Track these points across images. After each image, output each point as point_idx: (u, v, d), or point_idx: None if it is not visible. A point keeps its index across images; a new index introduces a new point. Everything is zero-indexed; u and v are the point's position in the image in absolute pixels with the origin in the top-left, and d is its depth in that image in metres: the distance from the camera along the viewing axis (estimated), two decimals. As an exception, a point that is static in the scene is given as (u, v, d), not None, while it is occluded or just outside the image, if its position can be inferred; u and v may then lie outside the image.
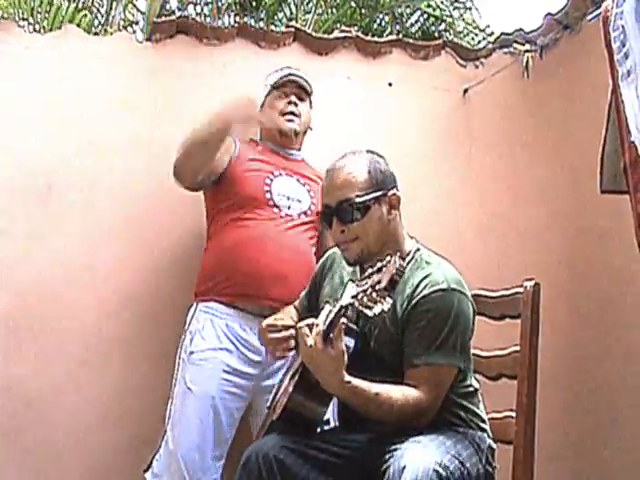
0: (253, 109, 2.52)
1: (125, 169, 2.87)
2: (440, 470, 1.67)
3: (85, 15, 5.00)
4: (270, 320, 2.17)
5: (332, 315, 1.79)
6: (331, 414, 2.03)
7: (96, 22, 5.42)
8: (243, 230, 2.50)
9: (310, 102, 2.76)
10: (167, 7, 5.72)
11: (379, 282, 1.68)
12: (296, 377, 1.94)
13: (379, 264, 1.73)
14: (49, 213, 2.78)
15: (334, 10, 5.94)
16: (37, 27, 4.82)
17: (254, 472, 1.86)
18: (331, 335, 1.76)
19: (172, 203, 2.78)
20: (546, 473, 2.22)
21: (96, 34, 3.95)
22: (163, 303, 2.79)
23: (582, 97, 2.81)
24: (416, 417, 1.83)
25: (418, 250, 2.01)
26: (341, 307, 1.77)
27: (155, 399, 2.58)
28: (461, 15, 6.20)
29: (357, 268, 2.05)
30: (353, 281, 1.82)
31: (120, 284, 2.80)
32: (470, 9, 6.20)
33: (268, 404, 2.21)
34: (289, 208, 2.58)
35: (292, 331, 2.10)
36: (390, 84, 3.20)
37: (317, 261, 2.34)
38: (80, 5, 5.32)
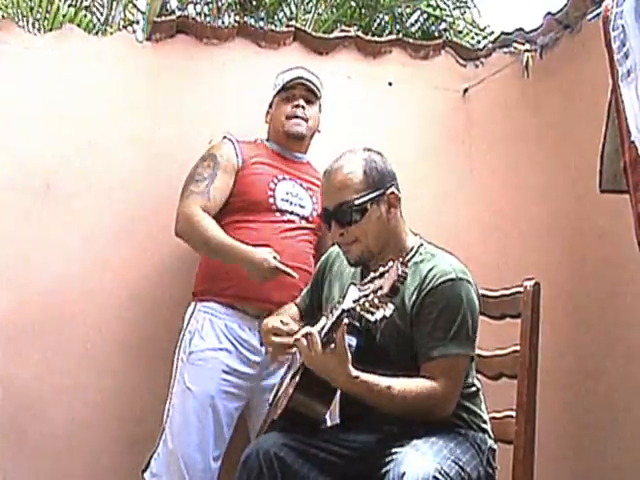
0: (272, 275, 2.38)
1: (125, 169, 2.87)
2: (440, 477, 1.67)
3: (85, 15, 4.99)
4: (276, 322, 2.13)
5: (334, 318, 1.79)
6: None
7: (96, 21, 5.42)
8: (244, 233, 2.50)
9: (320, 105, 2.73)
10: (167, 7, 5.72)
11: (381, 288, 1.68)
12: (297, 376, 1.94)
13: (381, 269, 1.73)
14: (49, 213, 2.78)
15: (334, 10, 5.94)
16: (37, 27, 4.82)
17: (254, 469, 1.86)
18: (334, 335, 1.76)
19: (172, 203, 2.76)
20: (546, 473, 2.22)
21: (96, 34, 3.95)
22: (164, 303, 2.79)
23: (582, 97, 2.80)
24: (432, 408, 1.83)
25: (422, 245, 2.02)
26: (343, 311, 1.77)
27: (155, 399, 2.57)
28: (461, 15, 6.20)
29: (358, 271, 2.05)
30: (355, 284, 1.82)
31: (120, 284, 2.80)
32: (469, 9, 6.20)
33: (269, 402, 2.21)
34: (291, 213, 2.58)
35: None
36: (390, 84, 3.20)
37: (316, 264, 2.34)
38: (80, 5, 5.32)
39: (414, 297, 1.90)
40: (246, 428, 2.60)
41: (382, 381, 1.79)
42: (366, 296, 1.71)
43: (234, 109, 2.97)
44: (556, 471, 2.71)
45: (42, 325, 2.71)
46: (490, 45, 3.43)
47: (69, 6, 5.13)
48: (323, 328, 1.83)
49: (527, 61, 3.01)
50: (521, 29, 3.12)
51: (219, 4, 5.77)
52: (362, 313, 1.71)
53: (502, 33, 3.26)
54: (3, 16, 4.65)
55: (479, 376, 2.09)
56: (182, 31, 3.02)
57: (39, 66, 2.87)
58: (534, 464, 1.99)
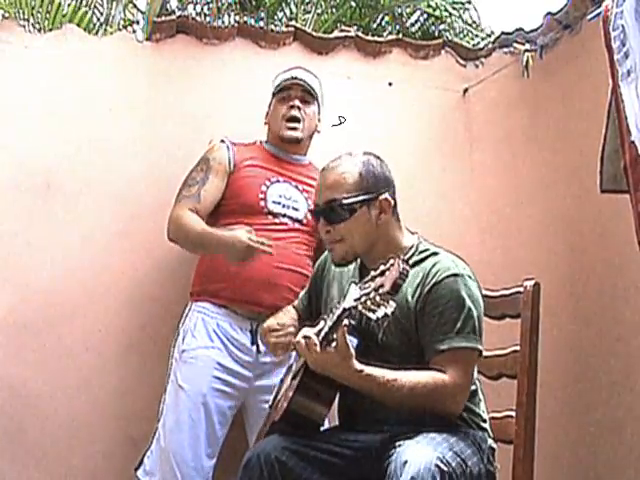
0: (249, 254, 2.39)
1: (125, 169, 2.87)
2: (442, 465, 1.67)
3: (85, 14, 4.98)
4: (273, 323, 2.16)
5: (335, 318, 1.79)
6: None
7: (96, 21, 5.42)
8: None
9: (318, 104, 2.72)
10: (167, 7, 5.71)
11: (382, 285, 1.68)
12: (297, 378, 1.94)
13: (382, 267, 1.73)
14: (49, 212, 2.78)
15: (334, 10, 5.94)
16: (37, 26, 4.82)
17: (255, 473, 1.86)
18: (334, 335, 1.76)
19: (172, 203, 2.77)
20: (546, 473, 2.23)
21: (96, 34, 3.95)
22: (163, 303, 2.79)
23: (582, 97, 2.80)
24: (442, 401, 1.82)
25: (420, 243, 2.02)
26: (344, 309, 1.76)
27: (155, 399, 2.57)
28: (461, 15, 6.19)
29: (357, 271, 2.05)
30: (356, 284, 1.82)
31: (120, 283, 2.80)
32: (469, 9, 6.20)
33: (269, 404, 2.21)
34: (284, 216, 2.57)
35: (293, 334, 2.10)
36: (390, 84, 3.20)
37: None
38: (80, 4, 5.31)
39: (417, 294, 1.90)
40: (242, 427, 2.61)
41: (388, 374, 1.79)
42: (367, 294, 1.70)
43: (234, 109, 2.98)
44: (556, 471, 2.72)
45: (42, 324, 2.71)
46: (490, 45, 3.43)
47: (69, 6, 5.12)
48: (324, 328, 1.83)
49: (527, 61, 3.01)
50: (521, 29, 3.12)
51: (219, 4, 5.76)
52: (363, 311, 1.71)
53: (502, 33, 3.26)
54: (4, 16, 4.65)
55: (479, 376, 2.09)
56: (182, 31, 3.02)
57: (39, 66, 2.87)
58: (534, 464, 1.99)
